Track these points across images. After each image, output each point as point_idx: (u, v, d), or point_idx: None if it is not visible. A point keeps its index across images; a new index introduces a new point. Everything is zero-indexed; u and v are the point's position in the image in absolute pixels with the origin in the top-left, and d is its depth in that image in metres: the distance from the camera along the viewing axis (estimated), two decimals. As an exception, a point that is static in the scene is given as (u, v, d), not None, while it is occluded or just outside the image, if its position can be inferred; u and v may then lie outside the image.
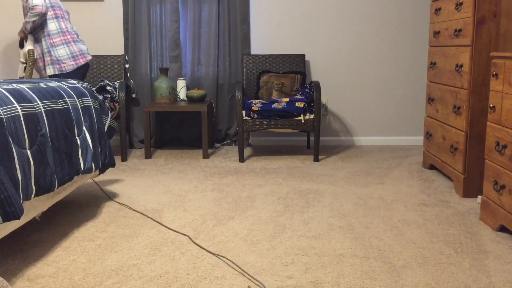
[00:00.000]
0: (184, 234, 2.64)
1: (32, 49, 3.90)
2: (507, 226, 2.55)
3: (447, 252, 2.39)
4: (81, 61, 3.93)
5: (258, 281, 2.11)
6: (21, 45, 4.00)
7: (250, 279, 2.12)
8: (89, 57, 4.03)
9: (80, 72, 3.97)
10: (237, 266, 2.25)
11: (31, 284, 2.09)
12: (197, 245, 2.49)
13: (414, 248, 2.45)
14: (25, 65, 3.96)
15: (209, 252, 2.40)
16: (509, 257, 2.34)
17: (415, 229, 2.70)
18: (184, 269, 2.22)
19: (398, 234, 2.63)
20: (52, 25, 3.83)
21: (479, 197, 3.06)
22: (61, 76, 3.88)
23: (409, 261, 2.29)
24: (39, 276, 2.16)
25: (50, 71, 3.89)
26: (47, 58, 3.88)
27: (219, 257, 2.35)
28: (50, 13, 3.85)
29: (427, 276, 2.14)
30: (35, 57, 3.88)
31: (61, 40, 3.86)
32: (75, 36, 3.98)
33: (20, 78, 3.97)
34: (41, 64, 3.93)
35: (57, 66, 3.85)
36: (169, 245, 2.50)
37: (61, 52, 3.85)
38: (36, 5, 3.79)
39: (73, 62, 3.89)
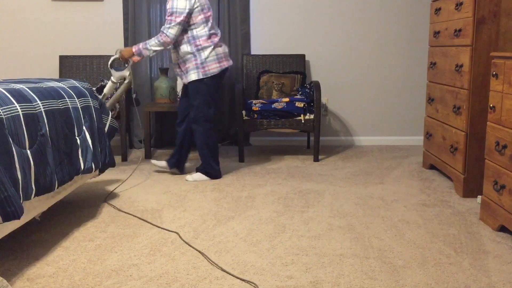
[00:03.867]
0: (173, 231, 2.64)
1: (130, 75, 3.75)
2: (507, 226, 2.55)
3: (447, 252, 2.39)
4: (225, 64, 3.66)
5: (247, 280, 2.11)
6: (113, 65, 3.76)
7: (235, 278, 2.12)
8: (231, 61, 3.75)
9: (221, 76, 3.69)
10: (214, 263, 2.25)
11: (31, 284, 2.09)
12: (186, 243, 2.49)
13: (414, 248, 2.45)
14: (115, 85, 3.79)
15: (194, 248, 2.40)
16: (509, 257, 2.34)
17: (415, 229, 2.70)
18: (184, 269, 2.22)
19: (398, 234, 2.63)
20: (201, 29, 3.55)
21: (479, 197, 3.06)
22: (205, 80, 3.59)
23: (409, 261, 2.29)
24: (39, 276, 2.16)
25: (193, 76, 3.59)
26: (190, 64, 3.60)
27: (205, 255, 2.35)
28: (200, 17, 3.55)
29: (427, 276, 2.14)
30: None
31: (209, 42, 3.57)
32: (220, 37, 3.69)
33: (104, 96, 3.77)
34: (178, 70, 3.71)
35: (201, 70, 3.57)
36: (169, 245, 2.50)
37: (207, 54, 3.56)
38: (178, 10, 3.50)
39: (218, 65, 3.60)
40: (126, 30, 4.87)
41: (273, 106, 4.22)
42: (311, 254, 2.38)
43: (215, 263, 2.28)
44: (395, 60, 4.97)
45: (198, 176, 3.71)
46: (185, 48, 3.59)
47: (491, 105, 2.73)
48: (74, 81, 3.02)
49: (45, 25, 4.90)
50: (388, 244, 2.49)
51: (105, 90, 3.81)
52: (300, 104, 4.22)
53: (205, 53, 3.58)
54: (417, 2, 4.89)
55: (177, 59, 3.69)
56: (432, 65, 3.83)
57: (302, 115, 4.21)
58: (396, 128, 5.08)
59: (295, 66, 4.85)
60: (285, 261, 2.30)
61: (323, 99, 5.01)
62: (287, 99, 4.29)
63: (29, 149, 2.22)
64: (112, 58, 3.74)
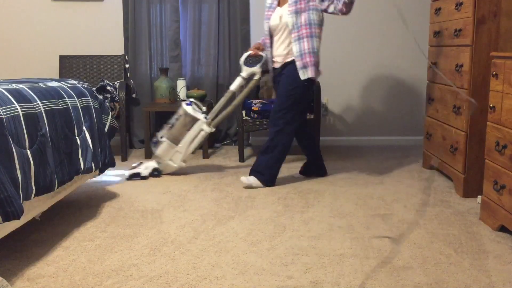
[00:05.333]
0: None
1: (260, 71, 3.71)
2: (507, 226, 2.55)
3: (447, 252, 2.39)
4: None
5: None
6: (246, 62, 3.74)
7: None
8: None
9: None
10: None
11: (31, 284, 2.09)
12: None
13: (414, 248, 2.45)
14: (244, 81, 3.76)
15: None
16: (509, 257, 2.34)
17: (415, 229, 2.70)
18: (184, 269, 2.22)
19: (398, 234, 2.63)
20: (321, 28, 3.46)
21: (479, 197, 3.06)
22: (311, 80, 3.47)
23: (409, 261, 2.29)
24: (39, 276, 2.16)
25: (310, 73, 3.42)
26: (310, 59, 3.41)
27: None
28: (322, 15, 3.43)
29: (427, 276, 2.14)
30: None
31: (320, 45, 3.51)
32: None
33: (230, 92, 3.79)
34: (308, 60, 3.42)
35: (318, 71, 3.46)
36: (169, 245, 2.50)
37: (319, 56, 3.49)
38: None
39: (321, 69, 3.54)
40: (126, 30, 4.87)
41: (273, 106, 4.22)
42: (311, 254, 2.38)
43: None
44: (395, 60, 4.97)
45: (253, 180, 3.50)
46: (313, 43, 3.42)
47: (491, 105, 2.73)
48: (74, 81, 3.02)
49: (45, 25, 4.90)
50: (388, 244, 2.49)
51: (232, 86, 3.79)
52: (300, 104, 4.21)
53: (319, 54, 3.50)
54: (417, 2, 4.88)
55: (292, 51, 3.45)
56: (432, 65, 3.83)
57: (302, 115, 4.20)
58: (396, 128, 5.07)
59: (295, 66, 4.85)
60: (285, 261, 2.30)
61: (323, 99, 5.01)
62: (287, 99, 4.28)
63: (29, 149, 2.22)
64: (245, 54, 3.75)
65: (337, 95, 5.03)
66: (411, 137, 5.08)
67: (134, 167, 3.81)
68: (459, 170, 3.31)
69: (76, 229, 2.74)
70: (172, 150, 3.80)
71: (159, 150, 3.80)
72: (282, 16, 3.48)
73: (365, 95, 5.02)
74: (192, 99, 3.91)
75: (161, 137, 3.81)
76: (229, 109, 3.82)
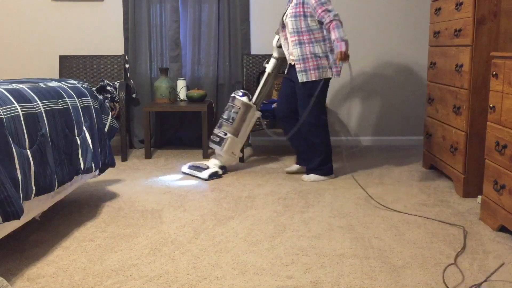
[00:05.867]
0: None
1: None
2: (507, 226, 2.55)
3: (447, 252, 2.39)
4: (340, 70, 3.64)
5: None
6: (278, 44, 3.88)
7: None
8: None
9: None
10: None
11: (31, 284, 2.09)
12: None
13: (414, 248, 2.45)
14: (278, 62, 3.89)
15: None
16: (509, 257, 2.34)
17: (415, 229, 2.70)
18: (184, 269, 2.22)
19: (398, 234, 2.63)
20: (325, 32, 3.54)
21: (479, 197, 3.06)
22: (327, 80, 3.59)
23: (409, 261, 2.29)
24: (39, 276, 2.16)
25: (310, 77, 3.53)
26: (313, 63, 3.52)
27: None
28: None
29: (427, 276, 2.14)
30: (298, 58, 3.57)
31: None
32: None
33: (268, 73, 3.90)
34: (311, 64, 3.53)
35: (335, 70, 3.56)
36: (169, 245, 2.50)
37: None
38: None
39: (339, 69, 3.58)
40: (126, 30, 4.86)
41: (273, 106, 4.22)
42: (311, 254, 2.38)
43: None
44: (395, 60, 4.97)
45: (314, 177, 3.68)
46: (316, 48, 3.52)
47: (491, 105, 2.73)
48: (74, 81, 3.02)
49: (45, 25, 4.90)
50: (388, 244, 2.49)
51: (268, 69, 3.91)
52: (300, 104, 4.22)
53: (324, 56, 3.55)
54: (417, 2, 4.89)
55: (302, 54, 3.54)
56: (432, 65, 3.83)
57: (302, 115, 4.21)
58: (396, 128, 5.07)
59: (295, 66, 4.85)
60: (285, 261, 2.30)
61: (323, 99, 5.00)
62: (287, 99, 4.28)
63: (29, 149, 2.22)
64: (276, 37, 3.85)
65: (337, 95, 5.03)
66: (411, 137, 5.07)
67: (198, 166, 3.83)
68: (459, 170, 3.31)
69: (76, 229, 2.74)
70: (235, 143, 3.88)
71: (226, 147, 3.84)
72: (287, 15, 3.59)
73: (365, 95, 5.03)
74: (242, 90, 3.99)
75: (225, 134, 3.85)
76: (266, 88, 3.95)
